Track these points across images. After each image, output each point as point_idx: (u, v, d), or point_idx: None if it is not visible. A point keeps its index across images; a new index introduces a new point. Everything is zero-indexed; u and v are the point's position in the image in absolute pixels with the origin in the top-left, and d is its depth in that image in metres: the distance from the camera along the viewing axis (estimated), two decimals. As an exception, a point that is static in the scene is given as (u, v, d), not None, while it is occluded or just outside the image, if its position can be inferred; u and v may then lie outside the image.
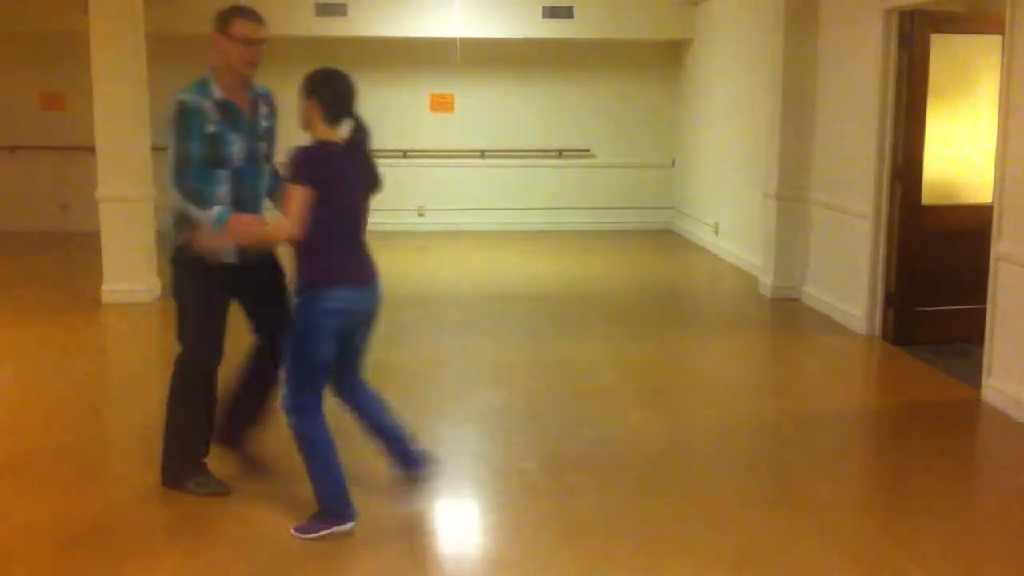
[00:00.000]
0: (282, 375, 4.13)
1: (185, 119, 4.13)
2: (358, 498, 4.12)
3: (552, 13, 11.92)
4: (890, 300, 7.26)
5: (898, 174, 7.13)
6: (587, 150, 13.01)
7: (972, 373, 6.10)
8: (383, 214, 12.86)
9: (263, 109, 4.42)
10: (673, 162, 13.00)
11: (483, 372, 6.63)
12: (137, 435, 5.41)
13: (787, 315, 8.21)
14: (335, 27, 11.90)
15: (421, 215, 12.96)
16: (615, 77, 13.10)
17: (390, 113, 12.82)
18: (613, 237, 12.24)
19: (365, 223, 4.21)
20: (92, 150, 8.46)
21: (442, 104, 12.90)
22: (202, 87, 4.25)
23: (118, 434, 5.53)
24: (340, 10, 11.83)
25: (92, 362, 6.96)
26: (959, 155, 7.09)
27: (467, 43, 11.60)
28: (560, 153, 12.93)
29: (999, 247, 5.76)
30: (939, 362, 6.68)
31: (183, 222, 4.20)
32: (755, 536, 4.18)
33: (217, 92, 4.24)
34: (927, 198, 7.08)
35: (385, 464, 4.33)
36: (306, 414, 4.01)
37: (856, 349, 7.22)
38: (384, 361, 6.72)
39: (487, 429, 5.52)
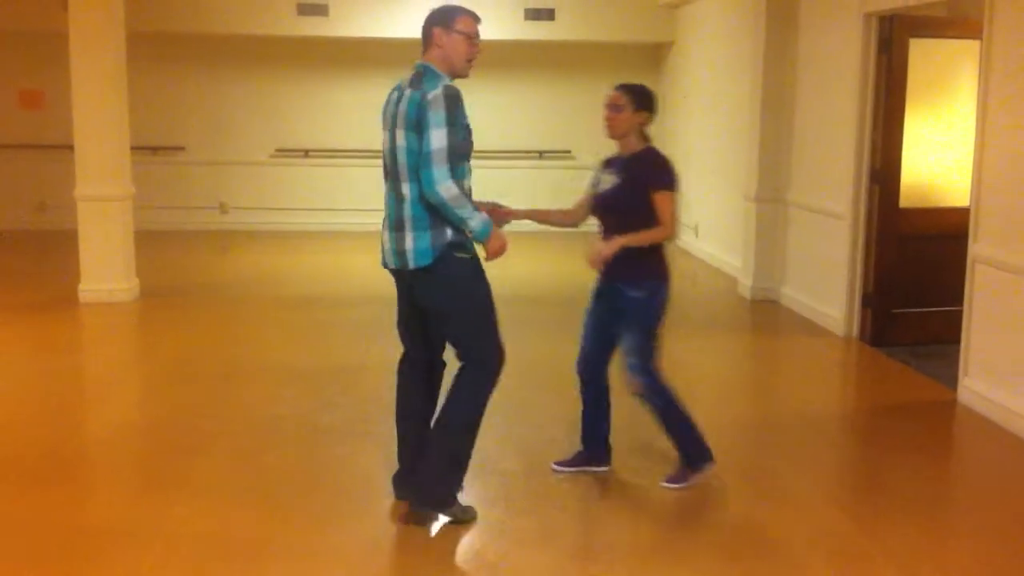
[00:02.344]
0: (627, 352, 4.46)
1: (456, 104, 3.93)
2: (326, 496, 4.11)
3: (534, 15, 11.95)
4: (867, 301, 7.31)
5: (876, 177, 7.17)
6: (568, 151, 13.03)
7: (949, 374, 6.15)
8: (365, 214, 12.86)
9: None
10: (653, 164, 13.04)
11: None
12: (114, 434, 5.40)
13: (766, 316, 8.24)
14: (316, 27, 11.88)
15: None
16: (596, 79, 13.02)
17: (370, 113, 12.75)
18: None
19: None
20: (70, 148, 8.41)
21: (423, 105, 12.87)
22: (442, 79, 4.07)
23: (95, 433, 5.49)
24: (321, 10, 11.81)
25: (68, 361, 6.92)
26: (937, 158, 7.15)
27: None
28: (540, 154, 12.94)
29: (975, 249, 5.80)
30: (916, 363, 6.73)
31: (439, 218, 3.98)
32: (733, 534, 4.20)
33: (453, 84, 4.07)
34: (905, 201, 7.14)
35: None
36: (656, 386, 4.49)
37: (834, 350, 7.26)
38: (365, 362, 6.73)
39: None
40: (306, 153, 12.83)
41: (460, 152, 3.98)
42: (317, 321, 7.93)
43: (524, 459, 4.93)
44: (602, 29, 12.23)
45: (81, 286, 8.35)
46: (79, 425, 5.63)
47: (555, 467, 4.76)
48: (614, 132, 4.51)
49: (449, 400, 4.19)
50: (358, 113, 12.75)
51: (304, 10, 11.82)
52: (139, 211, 8.92)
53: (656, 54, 12.96)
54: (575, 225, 4.90)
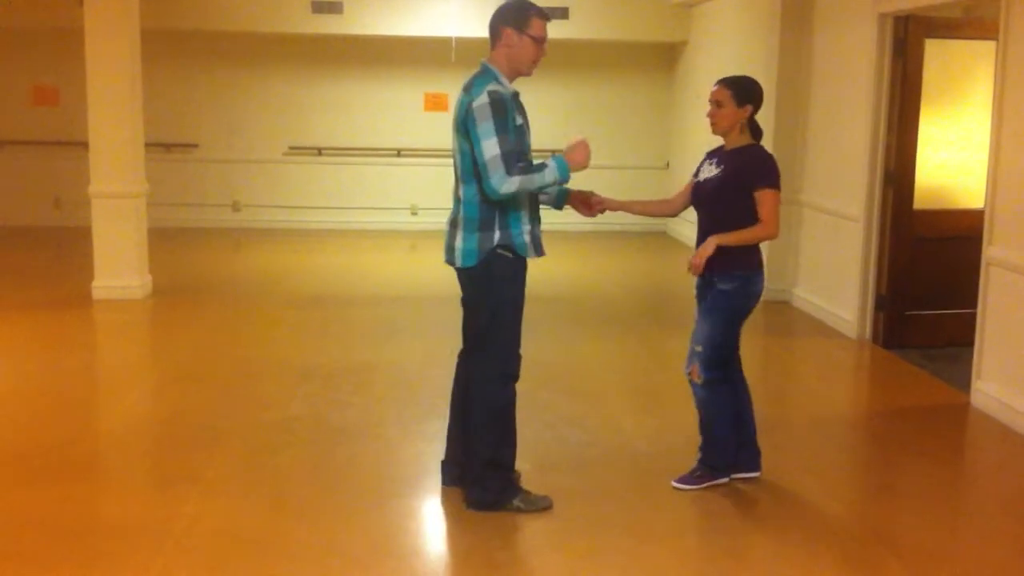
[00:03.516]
0: (697, 340, 4.44)
1: (502, 110, 3.97)
2: (338, 496, 4.11)
3: (548, 14, 11.91)
4: (881, 304, 7.28)
5: (890, 178, 7.14)
6: (581, 151, 12.99)
7: (962, 377, 6.12)
8: (376, 212, 12.91)
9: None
10: (667, 164, 13.03)
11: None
12: (126, 431, 5.42)
13: (778, 318, 8.22)
14: (331, 25, 11.90)
15: (414, 214, 12.96)
16: (609, 78, 13.11)
17: (384, 112, 12.82)
18: (606, 239, 12.24)
19: None
20: (85, 145, 8.45)
21: (436, 104, 12.89)
22: (498, 79, 4.11)
23: (108, 430, 5.51)
24: (336, 8, 11.83)
25: (82, 358, 6.94)
26: (951, 160, 7.12)
27: (463, 43, 11.59)
28: (554, 154, 12.90)
29: (990, 252, 5.78)
30: (929, 366, 6.70)
31: (490, 221, 4.08)
32: (745, 538, 4.19)
33: (509, 85, 4.13)
34: (919, 202, 7.10)
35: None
36: (717, 384, 4.47)
37: (846, 352, 7.24)
38: (378, 361, 6.74)
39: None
40: (319, 151, 12.84)
41: (516, 152, 4.03)
42: (330, 319, 7.94)
43: (532, 459, 4.92)
44: (616, 28, 12.21)
45: (95, 283, 8.38)
46: (91, 422, 5.65)
47: (674, 484, 4.58)
48: (717, 128, 4.49)
49: (472, 403, 4.26)
50: (372, 111, 12.77)
51: (319, 8, 11.84)
52: (153, 208, 8.94)
53: (670, 53, 12.93)
54: (675, 214, 4.87)
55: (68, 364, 6.68)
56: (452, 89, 12.85)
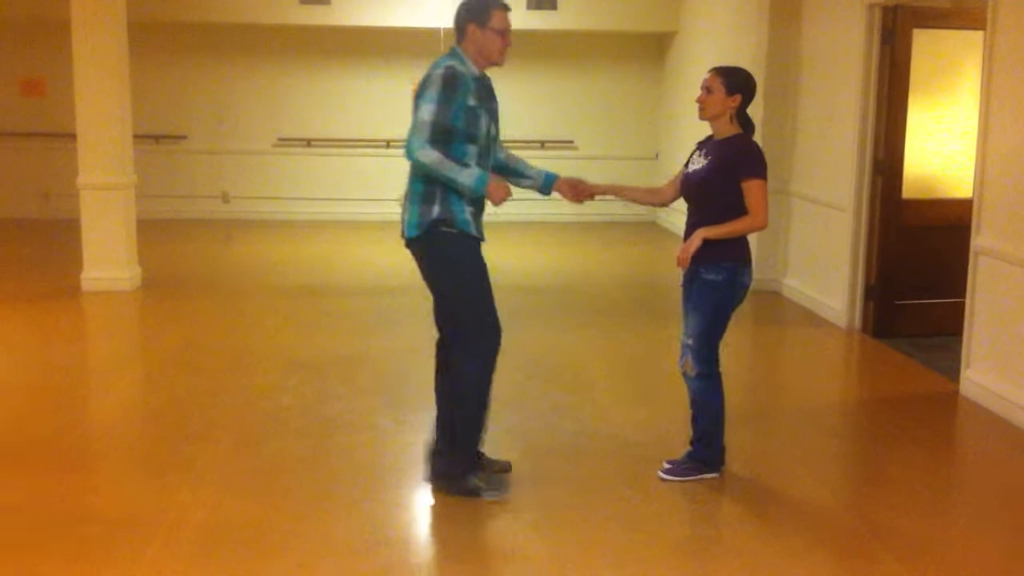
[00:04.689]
0: (689, 334, 4.43)
1: (452, 85, 4.06)
2: (330, 487, 4.11)
3: (537, 4, 11.91)
4: (870, 293, 7.31)
5: (879, 168, 7.16)
6: (570, 141, 13.01)
7: (951, 366, 6.15)
8: (365, 203, 12.88)
9: (493, 92, 4.39)
10: (656, 155, 13.03)
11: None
12: (117, 422, 5.41)
13: (768, 308, 8.24)
14: (318, 16, 11.86)
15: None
16: (599, 69, 13.10)
17: (373, 103, 12.79)
18: (596, 229, 12.25)
19: None
20: (73, 137, 8.41)
21: (425, 94, 12.86)
22: (463, 62, 4.19)
23: (98, 422, 5.50)
24: (323, -1, 11.80)
25: (72, 349, 6.93)
26: (940, 150, 7.14)
27: (451, 33, 11.55)
28: (543, 144, 12.92)
29: (978, 241, 5.80)
30: (918, 355, 6.73)
31: (431, 195, 4.13)
32: (735, 528, 4.21)
33: (473, 69, 4.21)
34: (907, 192, 7.13)
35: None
36: (708, 378, 4.46)
37: (836, 342, 7.26)
38: (368, 351, 6.74)
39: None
40: (308, 142, 12.81)
41: (455, 132, 4.08)
42: (320, 310, 7.93)
43: (523, 448, 4.93)
44: (605, 18, 12.20)
45: (84, 275, 8.36)
46: (82, 413, 5.65)
47: (661, 474, 4.57)
48: (704, 114, 4.48)
49: (450, 384, 4.33)
50: (360, 102, 12.73)
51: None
52: (141, 200, 8.91)
53: (659, 44, 12.93)
54: (664, 204, 4.86)
55: (57, 355, 6.67)
56: (441, 80, 12.87)
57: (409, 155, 4.08)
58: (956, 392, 5.93)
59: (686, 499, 4.45)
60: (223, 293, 8.62)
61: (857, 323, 7.40)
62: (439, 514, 4.32)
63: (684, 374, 4.53)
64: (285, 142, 12.84)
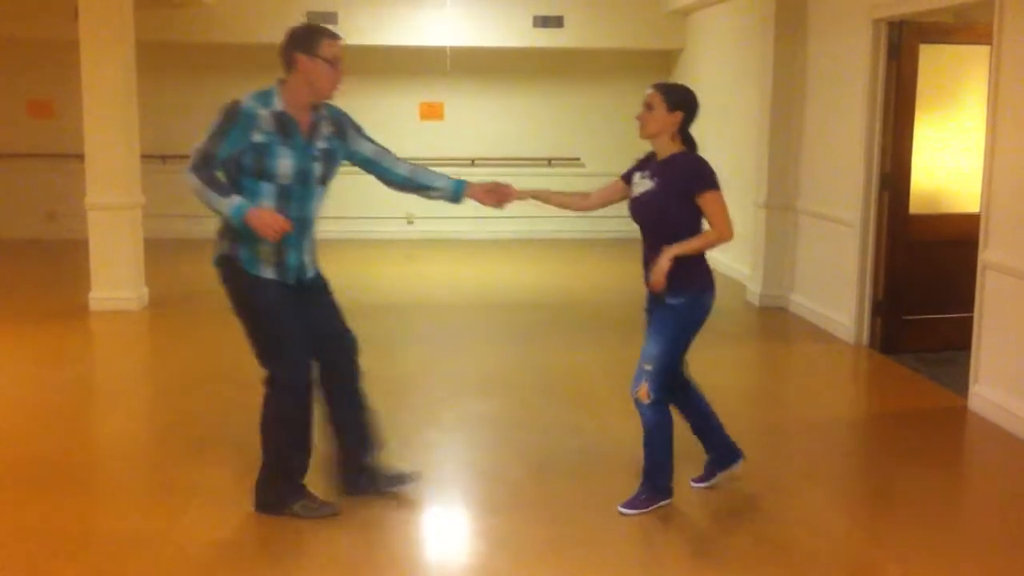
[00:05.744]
0: (645, 358, 4.30)
1: (231, 118, 4.04)
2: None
3: (543, 22, 11.95)
4: (878, 308, 7.28)
5: (886, 183, 7.15)
6: (577, 159, 13.03)
7: (959, 381, 6.12)
8: (372, 222, 12.90)
9: (325, 130, 4.29)
10: (662, 171, 13.03)
11: (471, 380, 6.63)
12: (123, 442, 5.41)
13: (775, 323, 8.22)
14: (325, 35, 11.88)
15: (410, 223, 12.95)
16: (605, 86, 13.12)
17: (380, 121, 12.76)
18: (603, 246, 12.25)
19: None
20: (80, 157, 8.44)
21: (432, 113, 12.91)
22: (265, 96, 4.15)
23: (105, 441, 5.50)
24: (331, 18, 11.83)
25: (78, 370, 6.93)
26: (947, 164, 7.13)
27: (458, 52, 11.62)
28: (549, 162, 12.94)
29: (986, 255, 5.78)
30: (926, 370, 6.70)
31: (224, 229, 4.13)
32: (742, 543, 4.18)
33: (278, 104, 4.13)
34: (915, 207, 7.12)
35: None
36: (662, 405, 4.33)
37: (844, 357, 7.24)
38: (372, 369, 6.71)
39: (474, 436, 5.52)
40: (315, 161, 12.83)
41: (238, 167, 4.06)
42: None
43: (529, 466, 4.91)
44: (611, 36, 12.22)
45: (91, 295, 8.38)
46: (88, 433, 5.65)
47: (693, 484, 4.62)
48: (644, 131, 4.41)
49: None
50: (368, 121, 12.54)
51: (314, 18, 11.81)
52: (149, 220, 8.93)
53: (665, 61, 12.95)
54: (589, 210, 4.79)
55: (65, 375, 6.67)
56: (448, 98, 12.92)
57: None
58: (964, 407, 5.90)
59: (696, 517, 4.42)
60: (229, 313, 8.57)
61: (865, 338, 7.37)
62: (446, 532, 4.30)
63: (637, 402, 4.36)
64: (292, 161, 12.87)
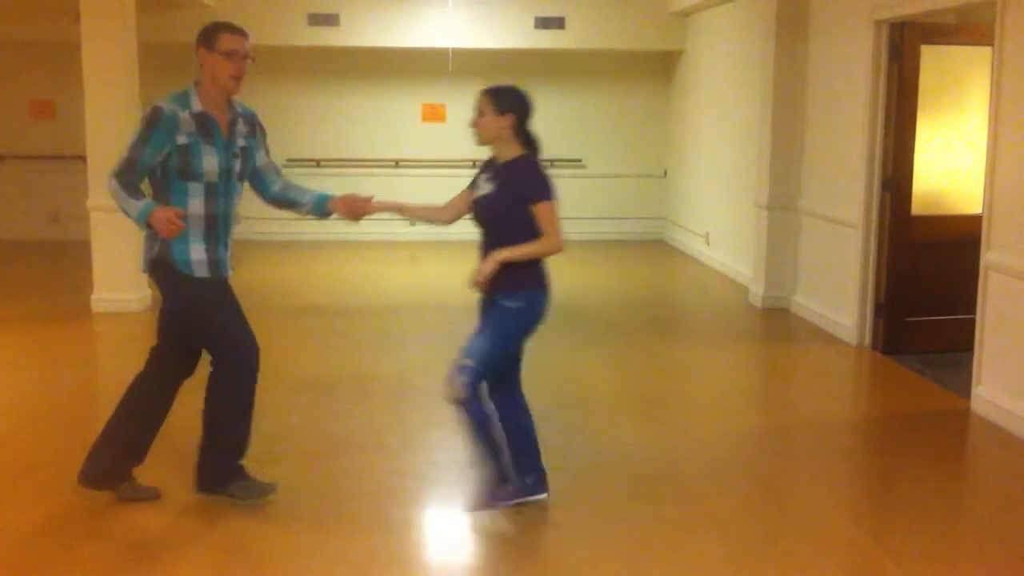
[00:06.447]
0: (468, 352, 4.16)
1: (152, 124, 4.12)
2: (339, 506, 4.11)
3: (544, 24, 11.95)
4: (880, 310, 7.28)
5: (888, 184, 7.15)
6: (579, 160, 13.03)
7: (962, 383, 6.11)
8: (375, 223, 12.82)
9: (242, 128, 4.39)
10: (664, 173, 13.04)
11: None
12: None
13: (777, 325, 8.22)
14: (327, 37, 11.91)
15: (412, 225, 12.94)
16: (607, 87, 13.13)
17: (382, 123, 12.83)
18: (605, 247, 12.25)
19: None
20: (82, 159, 8.45)
21: (433, 114, 12.91)
22: (183, 98, 4.25)
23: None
24: (332, 20, 11.84)
25: (81, 371, 6.94)
26: (949, 165, 7.13)
27: (459, 53, 11.61)
28: (551, 163, 12.91)
29: (988, 257, 5.78)
30: (929, 372, 6.70)
31: (153, 235, 4.20)
32: (745, 545, 4.18)
33: (196, 105, 4.23)
34: (917, 208, 7.11)
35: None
36: (478, 400, 4.18)
37: (846, 359, 7.24)
38: (375, 370, 6.73)
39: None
40: (318, 163, 12.86)
41: (164, 171, 4.17)
42: (329, 330, 7.93)
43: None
44: (612, 37, 12.22)
45: (93, 296, 8.38)
46: (91, 434, 5.61)
47: (489, 500, 4.38)
48: (479, 138, 4.33)
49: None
50: (370, 123, 12.78)
51: (315, 20, 11.85)
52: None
53: (667, 62, 12.96)
54: (448, 222, 4.68)
55: (67, 376, 6.67)
56: (450, 100, 12.92)
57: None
58: (967, 409, 5.89)
59: (696, 517, 4.42)
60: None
61: (867, 340, 7.37)
62: (450, 533, 4.31)
63: (457, 400, 4.14)
64: (294, 162, 12.88)
